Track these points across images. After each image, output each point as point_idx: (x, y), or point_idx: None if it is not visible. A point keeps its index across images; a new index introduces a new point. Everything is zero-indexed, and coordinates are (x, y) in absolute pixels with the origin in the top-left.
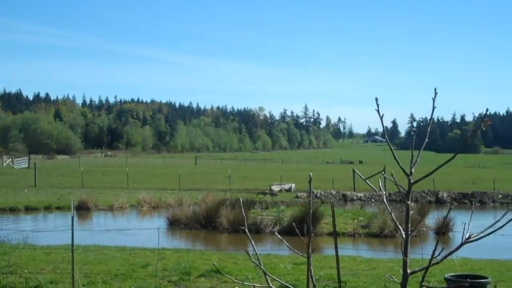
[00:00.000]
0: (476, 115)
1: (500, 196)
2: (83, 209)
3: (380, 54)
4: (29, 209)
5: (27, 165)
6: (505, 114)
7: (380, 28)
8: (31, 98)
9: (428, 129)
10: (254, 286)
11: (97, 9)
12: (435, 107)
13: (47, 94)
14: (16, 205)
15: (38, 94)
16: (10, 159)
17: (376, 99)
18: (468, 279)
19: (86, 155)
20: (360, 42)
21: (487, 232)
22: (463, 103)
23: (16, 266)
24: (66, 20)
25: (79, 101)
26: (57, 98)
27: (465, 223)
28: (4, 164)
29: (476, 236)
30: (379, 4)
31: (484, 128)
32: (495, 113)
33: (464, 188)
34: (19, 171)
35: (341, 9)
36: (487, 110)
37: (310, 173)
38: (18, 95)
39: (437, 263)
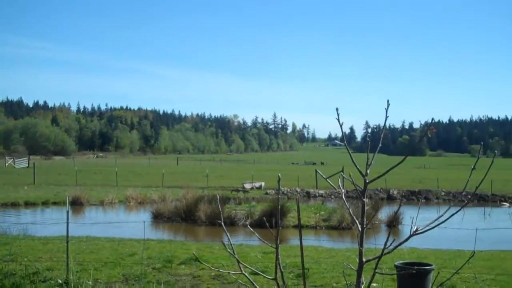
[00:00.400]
0: (423, 122)
1: (443, 193)
2: (77, 204)
3: (339, 68)
4: (28, 204)
5: (27, 165)
6: (447, 121)
7: (338, 45)
8: (31, 105)
9: (382, 136)
10: (229, 272)
11: (91, 27)
12: (388, 116)
13: (45, 102)
14: (17, 200)
15: (37, 102)
16: (12, 159)
17: (337, 109)
18: (415, 267)
19: (79, 156)
20: (322, 58)
21: (432, 226)
22: (411, 112)
23: (17, 255)
24: (63, 36)
25: (73, 108)
26: (54, 105)
27: (413, 217)
28: (6, 164)
29: (422, 229)
30: (336, 24)
31: (430, 135)
32: (439, 121)
33: (412, 186)
34: (19, 170)
35: (306, 30)
36: (432, 119)
37: (279, 174)
38: (19, 103)
39: (389, 252)
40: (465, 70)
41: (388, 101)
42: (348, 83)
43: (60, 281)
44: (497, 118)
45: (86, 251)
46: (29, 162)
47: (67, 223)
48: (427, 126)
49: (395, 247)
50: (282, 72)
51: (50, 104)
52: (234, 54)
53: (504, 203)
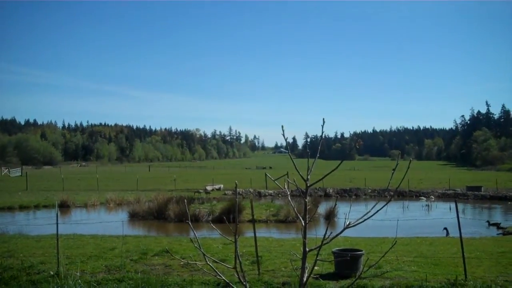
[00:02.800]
0: (352, 132)
1: (369, 190)
2: (64, 207)
3: (282, 89)
4: (22, 208)
5: (20, 174)
6: (371, 131)
7: (279, 71)
8: (22, 123)
9: (319, 147)
10: (195, 262)
11: (72, 56)
12: (324, 131)
13: (35, 120)
14: (12, 205)
15: (28, 120)
16: (7, 169)
17: (282, 126)
18: (349, 253)
19: (65, 165)
20: (267, 81)
21: (361, 220)
22: (342, 123)
23: (13, 251)
24: (51, 64)
25: (59, 125)
26: (43, 122)
27: (346, 213)
28: (2, 173)
29: (354, 222)
30: (276, 49)
31: (357, 147)
32: (365, 131)
33: (344, 185)
34: (14, 179)
35: (249, 57)
36: (359, 137)
37: (236, 181)
38: (13, 121)
39: (327, 243)
40: (384, 86)
41: (323, 119)
42: (290, 101)
43: (52, 273)
44: (411, 128)
45: (73, 246)
46: (22, 172)
47: (57, 223)
48: (355, 138)
49: (332, 238)
50: (236, 93)
51: (39, 122)
52: (195, 79)
53: (422, 197)
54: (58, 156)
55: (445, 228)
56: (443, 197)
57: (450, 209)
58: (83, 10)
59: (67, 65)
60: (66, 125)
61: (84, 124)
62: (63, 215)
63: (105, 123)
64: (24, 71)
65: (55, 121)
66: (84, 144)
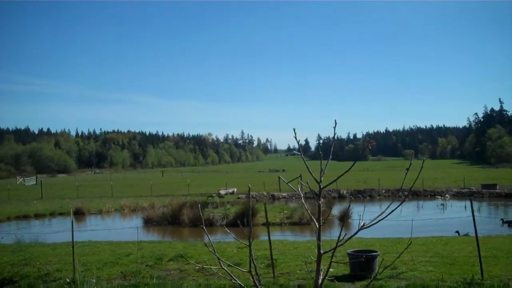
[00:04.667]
0: (364, 133)
1: (383, 191)
2: (79, 214)
3: (294, 92)
4: (38, 216)
5: (35, 183)
6: (384, 131)
7: (289, 72)
8: (36, 132)
9: (332, 149)
10: (210, 267)
11: (86, 66)
12: (336, 133)
13: (48, 129)
14: (28, 213)
15: (42, 129)
16: (22, 178)
17: (294, 129)
18: (364, 254)
19: (79, 173)
20: (280, 84)
21: (376, 220)
22: (355, 124)
23: (30, 259)
24: (62, 74)
25: (73, 133)
26: (56, 131)
27: (360, 214)
28: (18, 182)
29: (369, 223)
30: (284, 57)
31: (370, 148)
32: (378, 131)
33: (358, 186)
34: (29, 187)
35: (260, 60)
36: (372, 138)
37: (249, 185)
38: (27, 130)
39: (342, 244)
40: (397, 86)
41: (335, 120)
42: (302, 104)
43: (68, 280)
44: (424, 127)
45: (89, 253)
46: (36, 180)
47: (72, 230)
48: (368, 139)
49: (347, 240)
50: (247, 97)
51: (53, 131)
52: (208, 83)
53: (438, 196)
54: (72, 164)
55: (457, 232)
56: (458, 195)
57: (465, 207)
58: (94, 19)
59: (79, 74)
60: (80, 133)
61: (97, 131)
62: (78, 223)
63: (118, 130)
64: (37, 81)
65: (69, 130)
66: (98, 152)
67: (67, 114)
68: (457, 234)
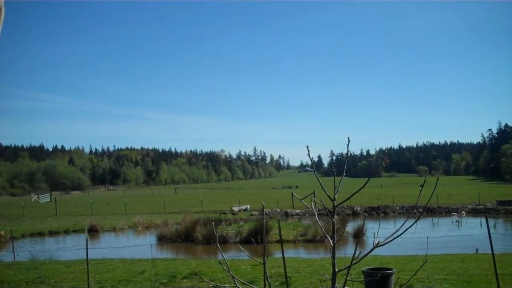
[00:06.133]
0: (377, 149)
1: (398, 208)
2: (93, 231)
3: (307, 108)
4: (52, 233)
5: (49, 200)
6: (397, 147)
7: (301, 88)
8: (50, 149)
9: (345, 166)
10: (225, 285)
11: (98, 83)
12: (349, 150)
13: (62, 146)
14: (42, 230)
15: (56, 146)
16: (36, 195)
17: (307, 147)
18: (379, 272)
19: (93, 190)
20: (289, 100)
21: (391, 238)
22: (368, 140)
23: (45, 277)
24: (76, 91)
25: (87, 150)
26: (70, 148)
27: (374, 232)
28: (32, 199)
29: (384, 241)
30: (297, 73)
31: (384, 165)
32: (391, 147)
33: (372, 203)
34: (43, 204)
35: (273, 76)
36: (385, 154)
37: (263, 202)
38: (41, 147)
39: (357, 262)
40: (410, 102)
41: (348, 138)
42: (314, 120)
43: None
44: (438, 143)
45: (103, 271)
46: (51, 197)
47: (87, 248)
48: (382, 155)
49: (362, 258)
50: (259, 113)
51: (67, 148)
52: (219, 100)
53: (454, 213)
54: (86, 181)
55: (477, 249)
56: (473, 212)
57: (481, 224)
58: (107, 37)
59: (93, 91)
60: (93, 150)
61: (111, 148)
62: (92, 240)
63: (131, 147)
64: (51, 98)
65: (82, 146)
66: (111, 169)
67: (81, 131)
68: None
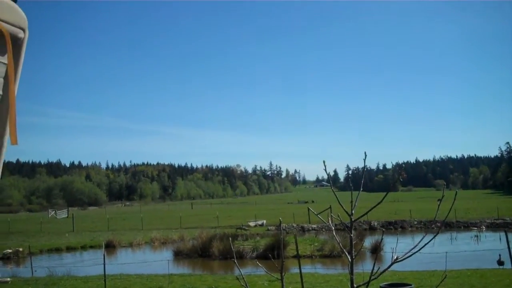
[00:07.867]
0: (394, 163)
1: (415, 222)
2: (110, 247)
3: (322, 123)
4: (69, 249)
5: (66, 215)
6: (414, 161)
7: (318, 106)
8: (68, 165)
9: (362, 181)
10: None
11: (114, 99)
12: (366, 165)
13: (79, 162)
14: (60, 246)
15: (73, 162)
16: (54, 211)
17: (324, 162)
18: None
19: (110, 205)
20: (305, 114)
21: (409, 254)
22: (384, 154)
23: None
24: (93, 107)
25: (103, 166)
26: (87, 164)
27: (392, 248)
28: (49, 215)
29: (402, 256)
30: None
31: (401, 179)
32: (408, 161)
33: (389, 218)
34: (61, 220)
35: (288, 91)
36: (402, 168)
37: (280, 218)
38: (58, 164)
39: (375, 278)
40: (427, 115)
41: (365, 152)
42: (330, 134)
43: None
44: (455, 157)
45: (120, 287)
46: (68, 213)
47: (104, 263)
48: (399, 169)
49: (381, 273)
50: (275, 128)
51: (84, 164)
52: (235, 114)
53: (474, 228)
54: (103, 196)
55: (498, 262)
56: (492, 227)
57: (500, 239)
58: (125, 53)
59: (109, 107)
60: (110, 165)
61: (127, 164)
62: (109, 255)
63: (147, 163)
64: (68, 115)
65: (99, 162)
66: (128, 184)
67: (98, 147)
68: (497, 265)
